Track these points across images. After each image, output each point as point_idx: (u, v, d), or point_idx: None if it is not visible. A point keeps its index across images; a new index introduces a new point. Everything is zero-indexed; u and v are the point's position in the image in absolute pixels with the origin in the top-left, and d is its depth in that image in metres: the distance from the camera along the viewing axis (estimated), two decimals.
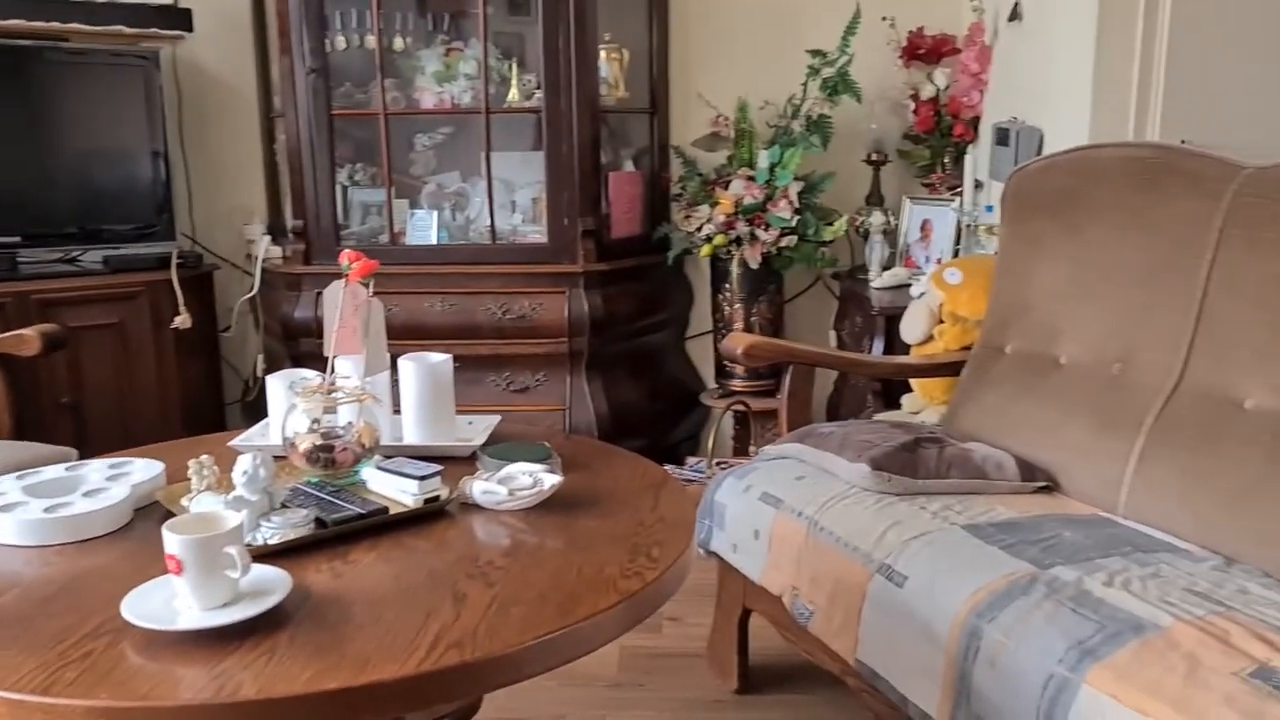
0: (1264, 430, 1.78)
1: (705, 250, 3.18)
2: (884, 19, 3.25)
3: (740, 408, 3.25)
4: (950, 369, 2.46)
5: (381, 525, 1.36)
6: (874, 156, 3.34)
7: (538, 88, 3.16)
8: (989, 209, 2.97)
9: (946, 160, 3.26)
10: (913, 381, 2.67)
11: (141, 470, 1.53)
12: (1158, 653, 1.37)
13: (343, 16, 3.25)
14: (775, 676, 2.28)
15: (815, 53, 3.16)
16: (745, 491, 2.10)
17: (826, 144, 3.20)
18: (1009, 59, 2.94)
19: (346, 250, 1.54)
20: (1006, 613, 1.52)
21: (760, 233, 3.12)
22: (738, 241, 3.16)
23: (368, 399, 1.49)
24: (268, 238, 3.42)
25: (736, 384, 3.34)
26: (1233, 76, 2.34)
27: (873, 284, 3.13)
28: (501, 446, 1.59)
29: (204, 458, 1.45)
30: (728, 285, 3.27)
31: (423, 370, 1.63)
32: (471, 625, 1.08)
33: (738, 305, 3.26)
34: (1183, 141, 2.28)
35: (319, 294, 3.02)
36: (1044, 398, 2.17)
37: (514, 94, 3.21)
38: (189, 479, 1.44)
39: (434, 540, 1.33)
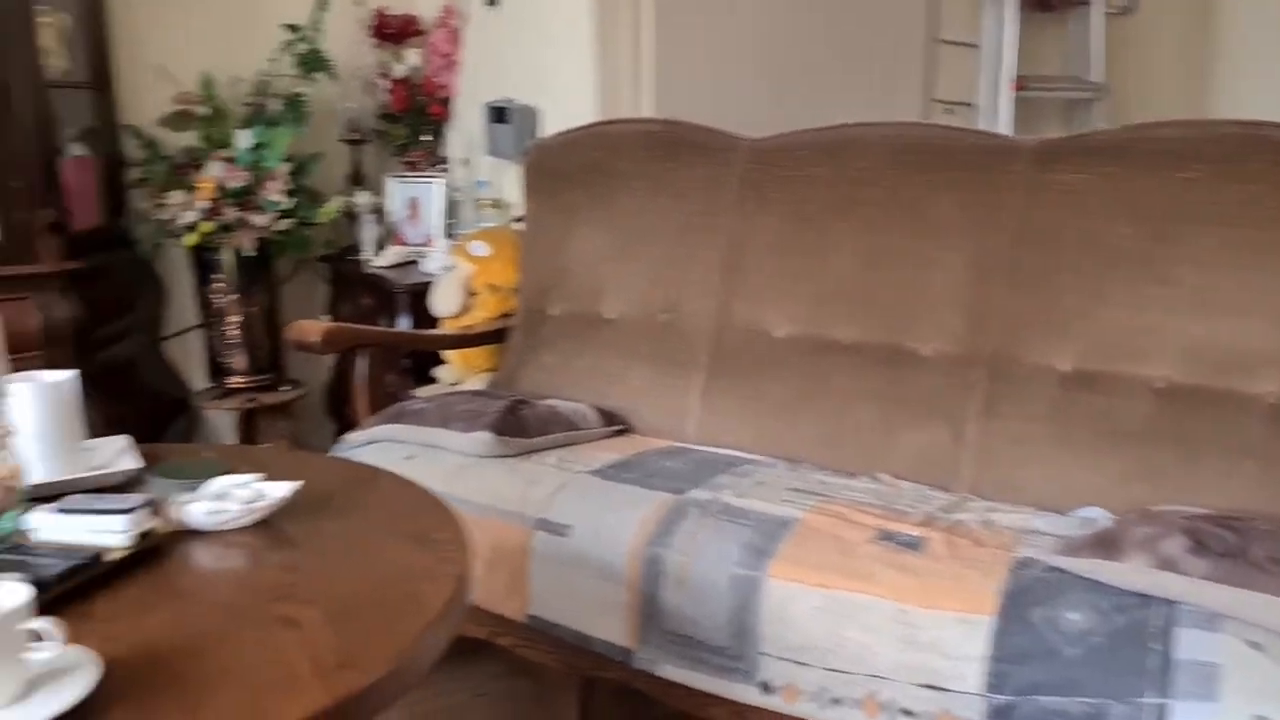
0: (792, 353, 2.18)
1: (191, 239, 2.90)
2: None
3: (251, 404, 3.04)
4: (497, 336, 2.59)
5: (90, 579, 1.12)
6: (352, 136, 3.30)
7: None
8: (481, 184, 3.13)
9: (428, 138, 3.34)
10: (449, 353, 2.75)
11: None
12: (807, 539, 1.65)
13: None
14: None
15: (290, 27, 3.03)
16: None
17: (305, 123, 3.09)
18: (488, 42, 3.10)
19: None
20: (677, 536, 1.71)
21: (254, 218, 2.93)
22: (227, 228, 2.93)
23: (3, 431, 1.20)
24: None
25: (236, 381, 3.11)
26: (706, 64, 2.77)
27: (374, 264, 3.12)
28: (170, 465, 1.38)
29: None
30: (218, 276, 3.02)
31: (43, 392, 1.34)
32: (339, 645, 0.96)
33: (234, 296, 3.03)
34: None
35: None
36: (601, 350, 2.40)
37: None
38: None
39: (175, 577, 1.13)
